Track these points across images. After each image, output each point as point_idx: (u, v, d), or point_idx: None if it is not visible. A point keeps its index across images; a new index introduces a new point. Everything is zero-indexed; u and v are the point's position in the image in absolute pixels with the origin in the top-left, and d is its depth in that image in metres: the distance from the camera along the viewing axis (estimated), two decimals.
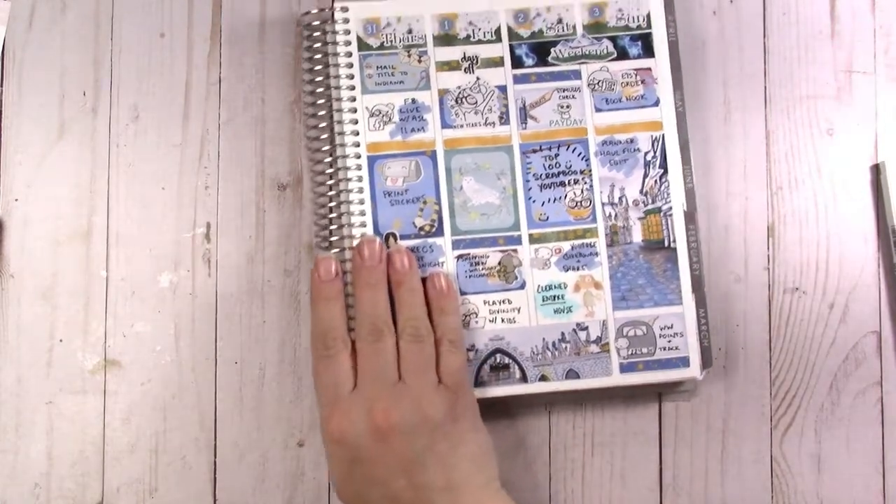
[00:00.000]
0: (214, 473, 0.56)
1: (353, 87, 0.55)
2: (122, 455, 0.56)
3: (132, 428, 0.56)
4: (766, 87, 0.58)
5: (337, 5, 0.56)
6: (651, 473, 0.56)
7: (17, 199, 0.57)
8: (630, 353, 0.55)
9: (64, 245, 0.56)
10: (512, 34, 0.56)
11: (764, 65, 0.58)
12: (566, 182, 0.56)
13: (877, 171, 0.58)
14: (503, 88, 0.56)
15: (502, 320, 0.55)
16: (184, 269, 0.57)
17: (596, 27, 0.56)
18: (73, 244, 0.56)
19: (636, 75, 0.56)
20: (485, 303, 0.55)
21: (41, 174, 0.57)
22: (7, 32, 0.57)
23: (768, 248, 0.57)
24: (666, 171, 0.56)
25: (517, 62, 0.56)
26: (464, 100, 0.56)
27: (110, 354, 0.56)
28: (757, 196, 0.58)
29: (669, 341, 0.55)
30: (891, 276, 0.57)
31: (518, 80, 0.56)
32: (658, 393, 0.57)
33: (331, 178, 0.55)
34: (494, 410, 0.55)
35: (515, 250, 0.55)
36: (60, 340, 0.56)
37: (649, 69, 0.56)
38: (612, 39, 0.56)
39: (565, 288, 0.55)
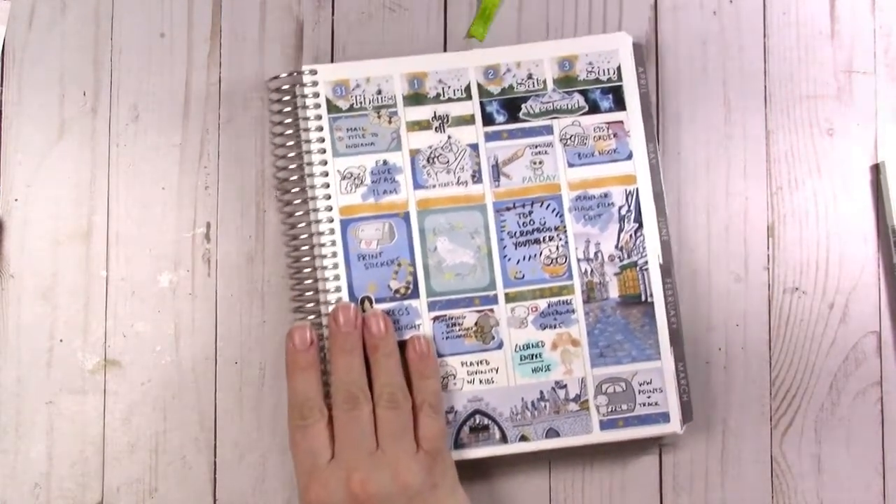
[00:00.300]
0: (214, 473, 0.56)
1: (323, 151, 0.55)
2: (122, 455, 0.56)
3: (132, 428, 0.56)
4: (766, 87, 0.58)
5: (305, 68, 0.55)
6: (651, 473, 0.56)
7: (17, 199, 0.57)
8: (610, 409, 0.54)
9: (64, 245, 0.56)
10: (482, 91, 0.56)
11: (764, 65, 0.58)
12: (541, 239, 0.55)
13: (877, 171, 0.58)
14: (475, 146, 0.56)
15: (480, 381, 0.54)
16: (184, 269, 0.57)
17: (566, 81, 0.56)
18: (73, 244, 0.56)
19: (608, 129, 0.56)
20: (462, 364, 0.54)
21: (41, 174, 0.57)
22: (7, 32, 0.57)
23: (768, 248, 0.57)
24: (641, 225, 0.55)
25: (488, 119, 0.56)
26: (435, 159, 0.55)
27: (110, 354, 0.56)
28: (757, 196, 0.58)
29: (649, 397, 0.54)
30: (891, 276, 0.57)
31: (490, 137, 0.56)
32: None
33: (304, 242, 0.55)
34: None
35: (492, 310, 0.55)
36: (60, 340, 0.56)
37: (621, 122, 0.56)
38: (583, 93, 0.56)
39: (543, 346, 0.55)
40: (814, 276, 0.57)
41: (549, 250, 0.55)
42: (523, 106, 0.56)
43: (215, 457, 0.56)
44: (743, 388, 0.57)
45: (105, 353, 0.56)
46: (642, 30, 0.58)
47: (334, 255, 0.55)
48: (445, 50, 0.58)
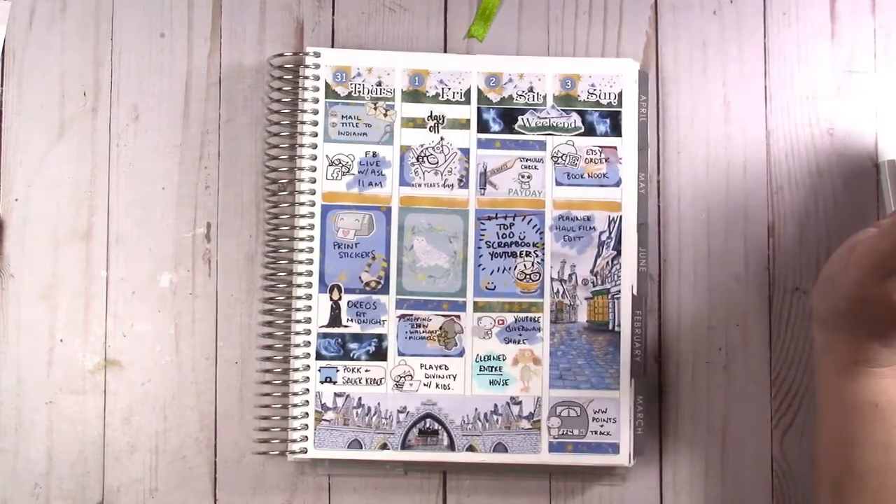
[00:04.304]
0: (214, 473, 0.56)
1: (315, 134, 0.55)
2: (122, 455, 0.56)
3: (132, 428, 0.56)
4: (766, 87, 0.58)
5: (309, 49, 0.56)
6: (652, 472, 0.56)
7: (17, 199, 0.57)
8: (561, 432, 0.54)
9: (64, 245, 0.56)
10: (481, 97, 0.56)
11: (764, 65, 0.58)
12: (518, 253, 0.55)
13: (877, 171, 0.58)
14: (466, 151, 0.56)
15: (437, 385, 0.55)
16: (184, 269, 0.57)
17: (566, 100, 0.56)
18: (73, 244, 0.56)
19: (601, 153, 0.56)
20: (421, 366, 0.55)
21: (41, 174, 0.57)
22: (7, 32, 0.57)
23: (768, 248, 0.57)
24: (619, 254, 0.55)
25: (483, 126, 0.56)
26: (425, 158, 0.56)
27: (110, 354, 0.56)
28: (757, 196, 0.58)
29: (602, 425, 0.54)
30: None
31: (482, 144, 0.56)
32: (658, 393, 0.57)
33: (284, 223, 0.55)
34: None
35: (458, 316, 0.55)
36: (60, 340, 0.56)
37: (615, 148, 0.56)
38: (581, 114, 0.56)
39: (504, 360, 0.55)
40: (814, 276, 0.57)
41: (525, 265, 0.55)
42: (520, 118, 0.56)
43: (215, 457, 0.56)
44: (743, 388, 0.57)
45: (105, 353, 0.56)
46: (642, 30, 0.58)
47: (311, 238, 0.55)
48: (446, 50, 0.58)
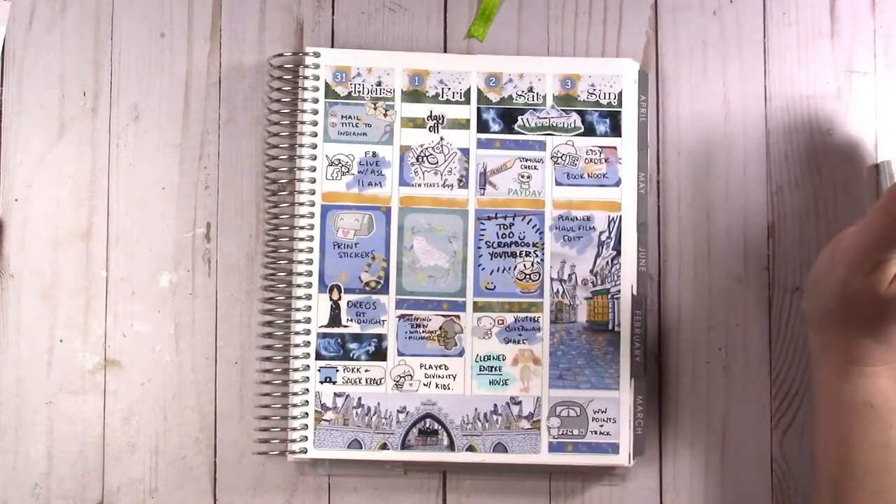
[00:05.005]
0: (214, 473, 0.56)
1: (315, 134, 0.55)
2: (122, 455, 0.56)
3: (132, 428, 0.56)
4: (766, 87, 0.58)
5: (309, 49, 0.56)
6: (652, 472, 0.56)
7: (17, 199, 0.57)
8: (561, 432, 0.54)
9: (64, 245, 0.56)
10: (481, 97, 0.56)
11: (764, 65, 0.58)
12: (517, 253, 0.55)
13: (877, 171, 0.58)
14: (466, 151, 0.56)
15: (437, 385, 0.55)
16: (184, 269, 0.57)
17: (566, 100, 0.56)
18: (73, 244, 0.56)
19: (601, 153, 0.56)
20: (421, 366, 0.55)
21: (41, 174, 0.57)
22: (7, 32, 0.57)
23: (768, 248, 0.57)
24: (619, 254, 0.55)
25: (483, 126, 0.56)
26: (425, 158, 0.56)
27: (110, 354, 0.56)
28: (757, 196, 0.58)
29: (601, 425, 0.54)
30: None
31: (482, 144, 0.56)
32: (658, 394, 0.57)
33: (284, 223, 0.55)
34: None
35: (458, 316, 0.55)
36: (60, 340, 0.56)
37: (615, 148, 0.56)
38: (581, 114, 0.56)
39: (503, 360, 0.55)
40: None
41: (525, 265, 0.55)
42: (520, 118, 0.56)
43: (215, 457, 0.56)
44: (743, 388, 0.57)
45: (105, 353, 0.56)
46: (642, 30, 0.58)
47: (311, 238, 0.55)
48: (446, 50, 0.58)
